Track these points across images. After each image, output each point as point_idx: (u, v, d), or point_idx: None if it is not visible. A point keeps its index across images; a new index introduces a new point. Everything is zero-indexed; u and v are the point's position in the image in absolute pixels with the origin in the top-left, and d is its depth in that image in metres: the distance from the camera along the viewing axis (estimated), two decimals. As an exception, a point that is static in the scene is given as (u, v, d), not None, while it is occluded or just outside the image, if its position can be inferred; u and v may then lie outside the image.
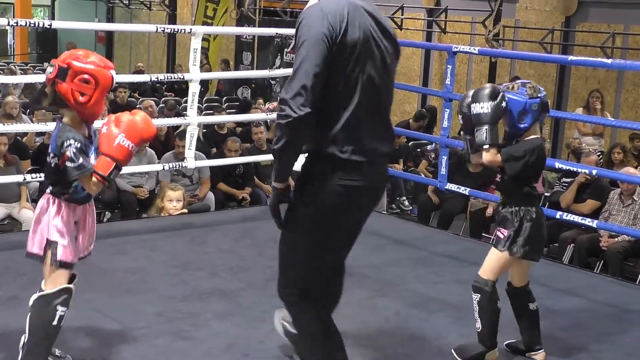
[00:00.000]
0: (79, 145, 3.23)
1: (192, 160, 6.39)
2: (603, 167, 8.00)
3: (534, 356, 4.01)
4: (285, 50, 14.13)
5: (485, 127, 3.67)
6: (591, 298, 5.12)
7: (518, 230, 3.77)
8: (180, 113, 10.26)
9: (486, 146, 3.70)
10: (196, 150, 6.51)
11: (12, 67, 14.73)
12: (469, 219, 8.22)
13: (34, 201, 7.34)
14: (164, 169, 6.74)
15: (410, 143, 10.74)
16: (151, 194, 7.84)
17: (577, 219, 5.91)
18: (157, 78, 6.40)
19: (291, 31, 7.23)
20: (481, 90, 3.74)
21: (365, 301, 4.79)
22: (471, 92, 3.81)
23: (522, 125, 3.76)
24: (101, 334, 3.97)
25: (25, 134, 8.41)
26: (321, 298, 3.18)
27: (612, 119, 9.19)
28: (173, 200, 6.58)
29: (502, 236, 3.81)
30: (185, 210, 6.76)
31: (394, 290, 4.99)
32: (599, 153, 8.86)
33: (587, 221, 5.89)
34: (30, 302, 3.31)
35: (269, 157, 7.94)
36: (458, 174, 7.54)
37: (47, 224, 3.32)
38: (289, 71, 7.65)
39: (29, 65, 17.72)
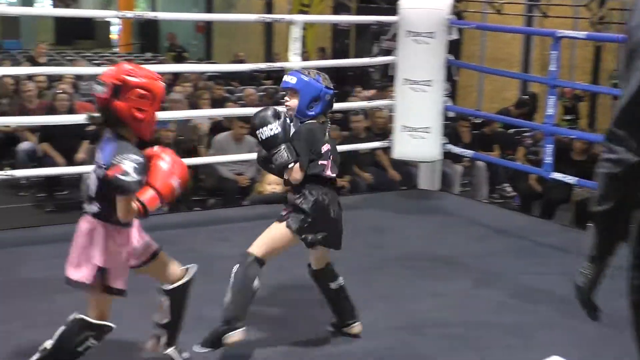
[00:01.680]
0: (140, 161, 3.01)
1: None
2: None
3: (349, 330, 3.97)
4: (382, 37, 14.04)
5: (283, 146, 3.57)
6: None
7: (304, 214, 3.65)
8: (279, 101, 10.34)
9: (290, 164, 3.58)
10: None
11: (115, 58, 15.17)
12: (574, 208, 8.01)
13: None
14: (264, 157, 6.78)
15: (510, 130, 10.56)
16: (252, 182, 7.94)
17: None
18: (259, 67, 6.46)
19: (390, 18, 7.21)
20: (262, 112, 3.60)
21: (467, 291, 4.74)
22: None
23: (310, 113, 3.66)
24: (208, 319, 4.03)
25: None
26: None
27: None
28: (272, 184, 6.66)
29: (284, 212, 3.72)
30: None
31: (496, 281, 4.91)
32: None
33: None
34: (70, 319, 3.23)
35: (368, 145, 7.93)
36: (561, 162, 7.35)
37: (96, 249, 3.15)
38: (386, 59, 7.66)
39: (133, 55, 18.19)
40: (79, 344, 3.19)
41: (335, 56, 15.34)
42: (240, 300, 3.62)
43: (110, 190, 3.02)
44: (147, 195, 3.08)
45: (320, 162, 3.65)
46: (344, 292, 3.97)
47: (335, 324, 4.03)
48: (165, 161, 3.18)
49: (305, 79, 3.67)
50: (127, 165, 2.95)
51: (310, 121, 3.69)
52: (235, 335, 3.59)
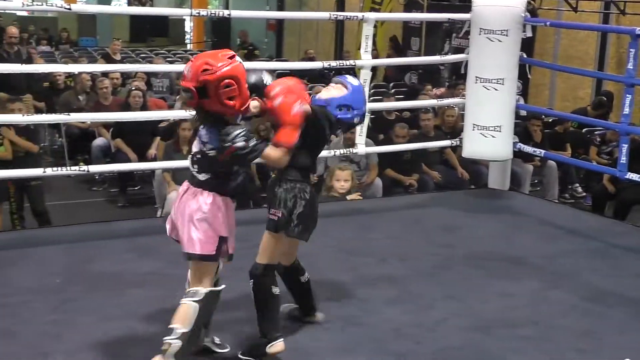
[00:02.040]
0: (244, 131, 3.20)
1: (362, 146, 6.45)
2: None
3: (312, 319, 4.00)
4: (454, 35, 13.91)
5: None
6: None
7: (292, 209, 3.58)
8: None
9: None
10: (364, 136, 6.54)
11: (188, 56, 15.41)
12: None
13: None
14: (334, 155, 6.80)
15: (584, 130, 10.36)
16: (320, 179, 7.95)
17: None
18: (329, 65, 6.45)
19: (462, 16, 7.15)
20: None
21: (537, 292, 4.66)
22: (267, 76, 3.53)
23: (335, 113, 3.64)
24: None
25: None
26: None
27: None
28: (341, 180, 6.66)
29: (275, 218, 3.60)
30: (359, 197, 6.85)
31: (568, 282, 4.83)
32: None
33: None
34: (197, 298, 3.30)
35: (437, 143, 7.88)
36: (637, 162, 7.17)
37: (215, 220, 3.27)
38: (458, 57, 7.58)
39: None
40: (210, 314, 3.38)
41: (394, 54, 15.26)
42: (268, 313, 3.64)
43: (226, 166, 3.23)
44: (282, 134, 3.29)
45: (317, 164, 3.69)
46: (309, 284, 3.98)
47: (297, 315, 4.03)
48: (280, 97, 3.29)
49: (359, 89, 3.74)
50: (238, 143, 3.15)
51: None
52: (275, 347, 3.61)
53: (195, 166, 3.34)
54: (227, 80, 3.12)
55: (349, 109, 3.66)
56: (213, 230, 3.28)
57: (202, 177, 3.31)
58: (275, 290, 3.62)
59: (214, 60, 3.15)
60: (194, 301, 3.29)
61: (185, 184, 3.39)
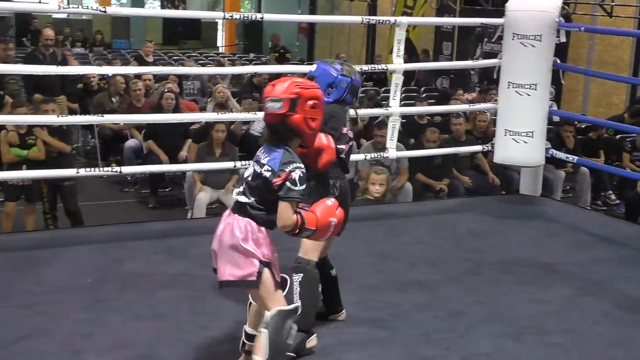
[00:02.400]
0: (304, 172, 3.13)
1: (393, 150, 6.43)
2: None
3: (337, 317, 4.06)
4: (486, 40, 13.84)
5: None
6: None
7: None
8: (379, 103, 10.32)
9: None
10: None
11: (220, 59, 15.49)
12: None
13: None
14: (365, 158, 6.80)
15: (617, 136, 10.25)
16: (350, 183, 7.94)
17: None
18: (361, 69, 6.43)
19: (495, 21, 7.11)
20: None
21: (569, 300, 4.62)
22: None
23: (327, 99, 3.64)
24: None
25: (233, 122, 8.74)
26: None
27: None
28: (376, 184, 6.65)
29: None
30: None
31: (600, 290, 4.78)
32: None
33: None
34: (264, 325, 3.16)
35: (468, 148, 7.84)
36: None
37: (258, 246, 3.15)
38: (491, 62, 7.54)
39: (236, 55, 18.49)
40: (287, 335, 3.21)
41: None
42: (312, 307, 3.72)
43: (275, 193, 3.10)
44: (309, 215, 3.17)
45: (339, 145, 3.69)
46: (337, 280, 4.02)
47: (323, 313, 4.03)
48: (331, 200, 3.29)
49: (323, 66, 3.80)
50: (296, 174, 3.08)
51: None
52: (312, 341, 3.70)
53: (243, 186, 3.23)
54: (315, 101, 3.17)
55: (331, 87, 3.75)
56: (250, 254, 3.15)
57: (243, 199, 3.19)
58: (319, 286, 3.73)
59: (302, 81, 3.23)
60: (263, 328, 3.19)
61: (227, 211, 3.29)
